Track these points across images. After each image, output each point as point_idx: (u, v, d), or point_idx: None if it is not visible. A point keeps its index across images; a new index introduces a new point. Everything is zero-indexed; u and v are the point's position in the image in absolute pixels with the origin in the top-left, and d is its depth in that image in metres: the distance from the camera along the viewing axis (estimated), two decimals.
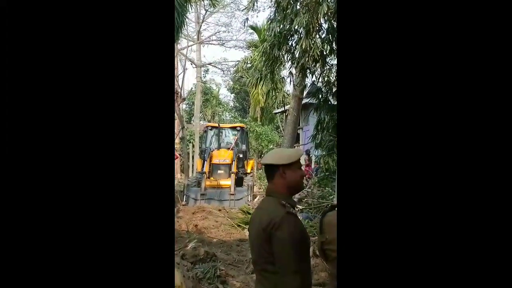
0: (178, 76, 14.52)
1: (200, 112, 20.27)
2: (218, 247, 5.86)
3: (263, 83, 8.84)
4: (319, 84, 7.70)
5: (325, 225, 1.73)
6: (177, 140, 14.75)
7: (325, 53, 6.85)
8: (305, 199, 7.84)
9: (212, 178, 9.61)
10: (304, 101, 10.95)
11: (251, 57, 19.44)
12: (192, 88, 23.47)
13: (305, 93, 9.41)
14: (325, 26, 6.92)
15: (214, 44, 24.80)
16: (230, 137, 11.63)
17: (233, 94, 27.65)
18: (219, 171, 9.81)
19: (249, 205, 8.38)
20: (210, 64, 21.75)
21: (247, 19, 14.70)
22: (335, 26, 6.31)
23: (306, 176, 9.39)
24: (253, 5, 7.65)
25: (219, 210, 8.06)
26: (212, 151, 10.25)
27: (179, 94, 12.94)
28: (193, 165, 16.14)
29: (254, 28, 18.36)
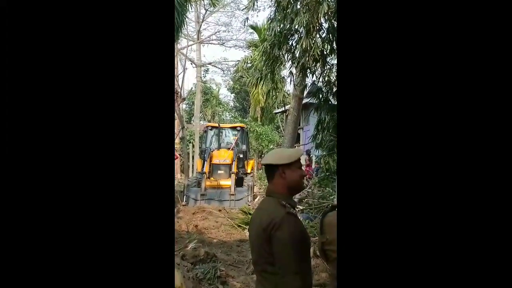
0: (178, 76, 14.48)
1: (200, 112, 20.26)
2: (218, 247, 5.85)
3: (263, 83, 8.83)
4: (320, 84, 7.69)
5: (326, 226, 1.73)
6: (177, 140, 14.72)
7: (325, 52, 6.84)
8: (306, 199, 7.83)
9: (212, 178, 9.58)
10: (305, 101, 10.94)
11: (251, 56, 19.44)
12: (192, 88, 23.49)
13: (305, 93, 9.40)
14: (325, 25, 6.93)
15: (214, 44, 24.88)
16: (230, 137, 11.61)
17: (233, 94, 27.67)
18: (219, 171, 9.79)
19: (249, 205, 8.33)
20: (210, 63, 21.75)
21: (247, 18, 14.63)
22: (335, 25, 6.30)
23: (307, 176, 9.38)
24: (253, 4, 7.62)
25: (219, 210, 8.04)
26: (212, 151, 10.22)
27: (179, 94, 12.92)
28: (193, 165, 16.12)
29: (254, 27, 18.36)
